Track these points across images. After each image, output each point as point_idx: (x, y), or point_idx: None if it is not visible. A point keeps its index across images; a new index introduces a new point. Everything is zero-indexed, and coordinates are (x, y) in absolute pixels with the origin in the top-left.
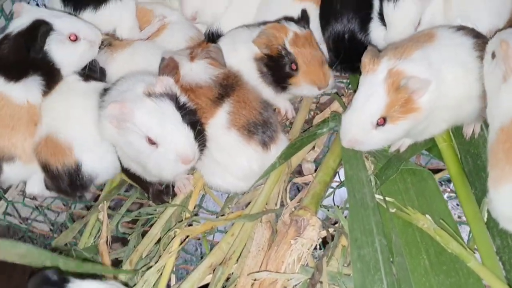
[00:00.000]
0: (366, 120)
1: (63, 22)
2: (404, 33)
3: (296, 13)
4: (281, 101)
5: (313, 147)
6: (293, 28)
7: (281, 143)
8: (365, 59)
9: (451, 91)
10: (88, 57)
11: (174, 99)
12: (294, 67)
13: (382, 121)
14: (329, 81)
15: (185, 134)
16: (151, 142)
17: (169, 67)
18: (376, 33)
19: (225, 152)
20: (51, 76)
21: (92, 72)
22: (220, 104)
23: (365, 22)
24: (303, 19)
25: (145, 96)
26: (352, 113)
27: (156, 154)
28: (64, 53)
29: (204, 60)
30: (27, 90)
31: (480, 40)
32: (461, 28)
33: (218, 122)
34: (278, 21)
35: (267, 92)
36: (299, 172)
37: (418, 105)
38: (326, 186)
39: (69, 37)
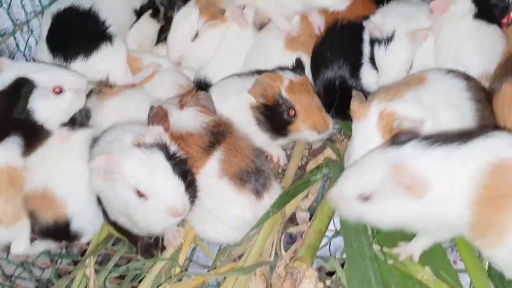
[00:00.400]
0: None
1: (46, 76)
2: (396, 77)
3: (288, 62)
4: (274, 148)
5: (307, 195)
6: (288, 75)
7: (274, 191)
8: (354, 105)
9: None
10: (75, 107)
11: (164, 149)
12: (292, 113)
13: None
14: (329, 125)
15: (176, 186)
16: (140, 194)
17: (158, 115)
18: (368, 78)
19: (217, 201)
20: (32, 135)
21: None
22: (212, 152)
23: (356, 67)
24: (298, 67)
25: (134, 147)
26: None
27: (145, 207)
28: (50, 108)
29: (194, 107)
30: (7, 151)
31: (472, 82)
32: (451, 71)
33: (210, 170)
34: (272, 70)
35: (261, 139)
36: (292, 220)
37: None
38: (321, 235)
39: (54, 90)
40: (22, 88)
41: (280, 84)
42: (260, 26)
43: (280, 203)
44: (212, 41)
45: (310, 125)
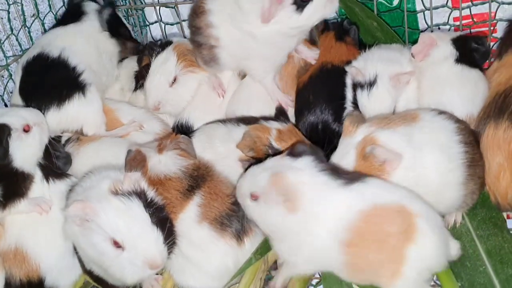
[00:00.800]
0: None
1: (13, 117)
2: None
3: (271, 106)
4: None
5: None
6: (274, 125)
7: (256, 236)
8: (347, 122)
9: (431, 175)
10: (45, 140)
11: (143, 196)
12: None
13: None
14: None
15: (155, 238)
16: (117, 245)
17: (136, 160)
18: None
19: (197, 248)
20: (12, 183)
21: (58, 161)
22: (191, 197)
23: (338, 111)
24: (280, 114)
25: (111, 194)
26: None
27: (122, 258)
28: (26, 149)
29: (173, 151)
30: None
31: (462, 125)
32: (442, 112)
33: (189, 216)
34: (255, 120)
35: None
36: (276, 268)
37: (389, 179)
38: (305, 284)
39: (24, 130)
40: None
41: (269, 135)
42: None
43: (263, 250)
44: (190, 87)
45: None
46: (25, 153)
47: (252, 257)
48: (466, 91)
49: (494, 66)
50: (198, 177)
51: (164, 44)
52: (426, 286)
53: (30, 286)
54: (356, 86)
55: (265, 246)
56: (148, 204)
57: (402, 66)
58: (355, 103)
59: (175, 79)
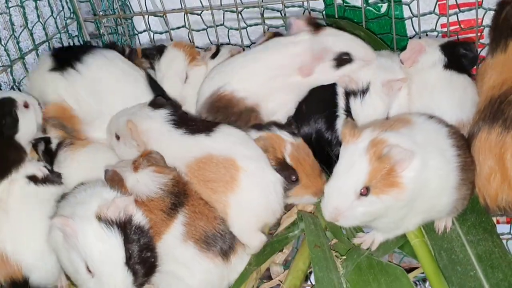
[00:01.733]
0: (349, 189)
1: (13, 94)
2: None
3: None
4: None
5: (282, 249)
6: (288, 138)
7: (242, 253)
8: (345, 129)
9: (432, 178)
10: (39, 121)
11: (126, 226)
12: (294, 179)
13: (365, 191)
14: None
15: (122, 279)
16: (88, 269)
17: (113, 180)
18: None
19: (182, 267)
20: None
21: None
22: (175, 216)
23: (332, 120)
24: (289, 125)
25: (95, 219)
26: (335, 182)
27: (91, 283)
28: (27, 121)
29: (148, 168)
30: None
31: (453, 129)
32: (432, 116)
33: (174, 235)
34: (267, 126)
35: None
36: (268, 276)
37: (401, 181)
38: None
39: (24, 105)
40: (7, 105)
41: (283, 148)
42: None
43: (257, 261)
44: (199, 79)
45: (312, 192)
46: (26, 127)
47: (248, 269)
48: (455, 97)
49: (484, 65)
50: (180, 193)
51: (157, 48)
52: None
53: (15, 286)
54: (348, 94)
55: (259, 258)
56: (132, 234)
57: (394, 73)
58: (347, 111)
59: (186, 76)
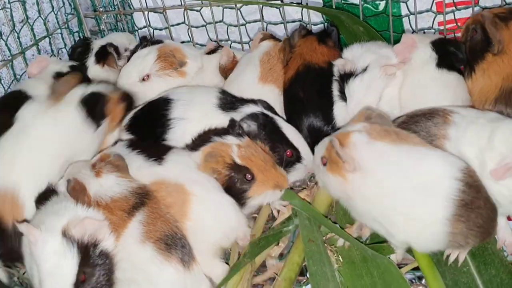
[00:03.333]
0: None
1: None
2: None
3: (260, 94)
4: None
5: (278, 242)
6: (232, 141)
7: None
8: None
9: None
10: None
11: (88, 250)
12: (249, 177)
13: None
14: (288, 180)
15: None
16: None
17: (76, 190)
18: (340, 114)
19: (140, 272)
20: None
21: None
22: (134, 214)
23: (329, 106)
24: (232, 127)
25: (60, 233)
26: None
27: None
28: None
29: (112, 174)
30: None
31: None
32: None
33: (131, 235)
34: (208, 138)
35: None
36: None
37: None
38: (291, 283)
39: None
40: None
41: (231, 152)
42: (225, 71)
43: (252, 253)
44: (158, 88)
45: (270, 185)
46: None
47: (242, 261)
48: (446, 95)
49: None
50: (143, 195)
51: (154, 42)
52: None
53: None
54: (344, 77)
55: (253, 251)
56: (92, 260)
57: (391, 60)
58: (342, 92)
59: (148, 76)
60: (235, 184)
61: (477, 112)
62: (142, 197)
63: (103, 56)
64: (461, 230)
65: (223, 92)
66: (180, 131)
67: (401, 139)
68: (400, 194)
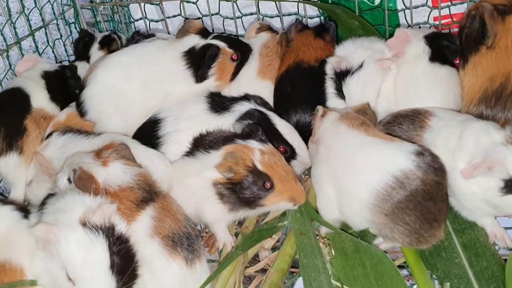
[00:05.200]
0: None
1: None
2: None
3: (256, 89)
4: (221, 229)
5: (271, 235)
6: (256, 145)
7: (205, 262)
8: None
9: None
10: None
11: (111, 233)
12: (268, 186)
13: None
14: (305, 197)
15: (106, 284)
16: (69, 277)
17: (82, 179)
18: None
19: (145, 264)
20: None
21: None
22: (144, 207)
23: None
24: (253, 132)
25: (79, 225)
26: None
27: None
28: None
29: (118, 161)
30: None
31: None
32: None
33: (140, 227)
34: (232, 140)
35: (217, 212)
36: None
37: None
38: (284, 274)
39: None
40: None
41: (252, 156)
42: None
43: (244, 246)
44: None
45: (287, 197)
46: None
47: (234, 253)
48: (438, 89)
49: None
50: (152, 192)
51: (146, 36)
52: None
53: None
54: (340, 75)
55: (246, 243)
56: (115, 242)
57: (384, 53)
58: (338, 91)
59: None
60: (251, 189)
61: (453, 115)
62: (150, 193)
63: (107, 43)
64: (383, 222)
65: (211, 95)
66: (176, 143)
67: (367, 132)
68: (339, 172)
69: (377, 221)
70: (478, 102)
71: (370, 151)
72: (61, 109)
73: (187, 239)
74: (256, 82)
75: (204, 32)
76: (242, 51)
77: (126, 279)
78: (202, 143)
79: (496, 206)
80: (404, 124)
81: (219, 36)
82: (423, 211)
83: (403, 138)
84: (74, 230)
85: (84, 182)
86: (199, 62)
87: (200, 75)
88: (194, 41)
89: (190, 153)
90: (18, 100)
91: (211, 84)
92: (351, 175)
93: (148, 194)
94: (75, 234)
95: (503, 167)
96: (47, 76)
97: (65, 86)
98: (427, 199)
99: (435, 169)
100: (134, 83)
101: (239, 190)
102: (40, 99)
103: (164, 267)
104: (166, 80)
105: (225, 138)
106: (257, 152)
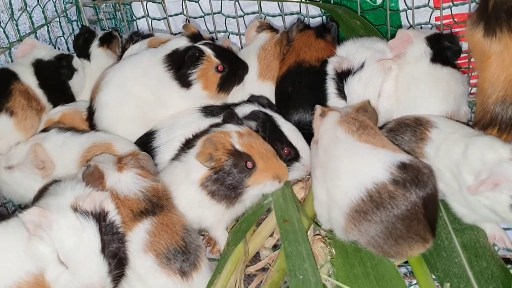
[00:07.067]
0: None
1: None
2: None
3: (259, 91)
4: (221, 232)
5: (272, 234)
6: (233, 128)
7: (206, 269)
8: None
9: None
10: None
11: (101, 219)
12: (250, 165)
13: None
14: (288, 172)
15: (98, 266)
16: (61, 261)
17: (93, 176)
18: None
19: (137, 279)
20: None
21: None
22: (141, 220)
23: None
24: (230, 118)
25: (71, 209)
26: None
27: (63, 276)
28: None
29: (133, 170)
30: None
31: None
32: None
33: (135, 240)
34: (206, 130)
35: (215, 213)
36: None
37: None
38: (285, 274)
39: None
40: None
41: (230, 138)
42: None
43: (235, 240)
44: None
45: (271, 175)
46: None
47: (227, 250)
48: (440, 90)
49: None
50: (156, 205)
51: (145, 35)
52: None
53: None
54: (341, 75)
55: (236, 237)
56: (106, 229)
57: (385, 53)
58: (340, 91)
59: None
60: (234, 171)
61: (455, 128)
62: (154, 206)
63: (107, 40)
64: (351, 231)
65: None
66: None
67: (360, 137)
68: (328, 177)
69: (348, 229)
70: (502, 100)
71: (353, 160)
72: (50, 98)
73: (183, 254)
74: (257, 84)
75: (195, 37)
76: (232, 66)
77: (117, 263)
78: (187, 146)
79: (505, 220)
80: (406, 135)
81: (210, 44)
82: (389, 227)
83: (405, 150)
84: (65, 215)
85: (92, 179)
86: (180, 63)
87: (180, 76)
88: (180, 44)
89: (175, 157)
90: (5, 75)
91: (198, 91)
92: (335, 182)
93: (151, 207)
94: (67, 218)
95: (510, 184)
96: (38, 64)
97: (56, 75)
98: (394, 216)
99: (416, 185)
100: (132, 99)
101: (225, 176)
102: (28, 81)
103: (158, 285)
104: (155, 87)
105: (202, 132)
106: (235, 134)
